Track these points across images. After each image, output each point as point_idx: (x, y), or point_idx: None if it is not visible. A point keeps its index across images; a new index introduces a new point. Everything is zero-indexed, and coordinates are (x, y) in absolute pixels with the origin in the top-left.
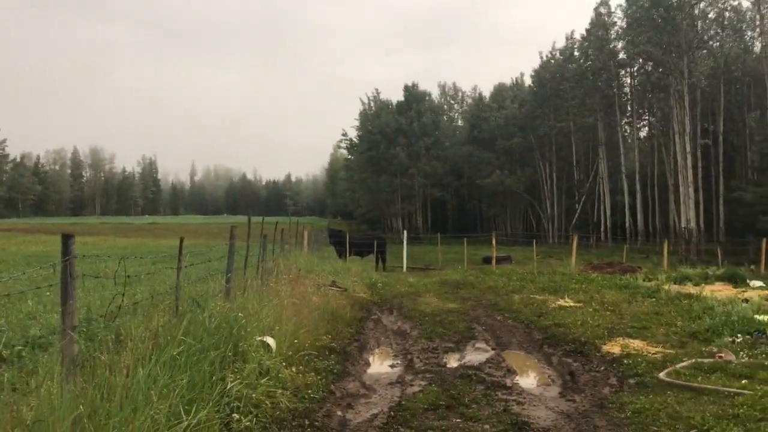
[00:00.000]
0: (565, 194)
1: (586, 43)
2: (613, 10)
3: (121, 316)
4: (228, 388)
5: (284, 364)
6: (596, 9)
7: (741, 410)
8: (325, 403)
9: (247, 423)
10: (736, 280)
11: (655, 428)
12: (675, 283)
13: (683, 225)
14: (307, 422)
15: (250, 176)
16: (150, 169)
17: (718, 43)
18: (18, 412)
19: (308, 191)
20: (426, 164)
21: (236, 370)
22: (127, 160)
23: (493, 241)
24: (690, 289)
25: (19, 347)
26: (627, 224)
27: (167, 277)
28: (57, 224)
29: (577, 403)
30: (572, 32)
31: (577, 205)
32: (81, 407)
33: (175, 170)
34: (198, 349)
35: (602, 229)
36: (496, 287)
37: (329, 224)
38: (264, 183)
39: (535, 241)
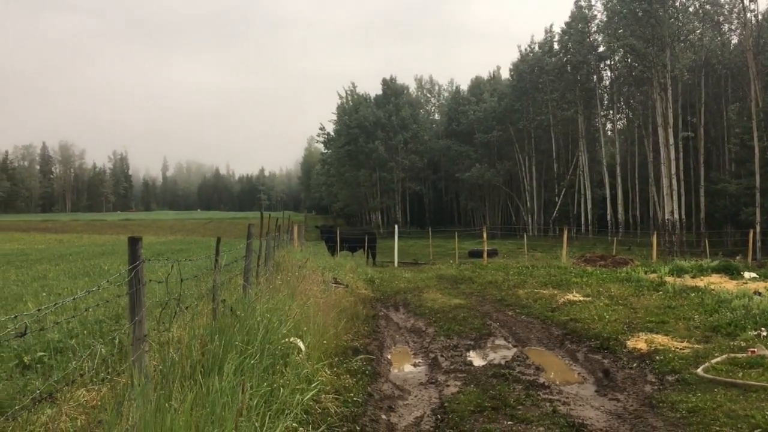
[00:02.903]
0: (544, 187)
1: (566, 37)
2: (593, 3)
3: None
4: (282, 394)
5: (320, 366)
6: (576, 2)
7: None
8: (367, 406)
9: (302, 430)
10: (731, 272)
11: (717, 428)
12: (672, 276)
13: (666, 217)
14: (357, 427)
15: (223, 171)
16: (121, 165)
17: (698, 36)
18: None
19: (282, 186)
20: (405, 158)
21: (280, 373)
22: (97, 156)
23: (484, 235)
24: (689, 281)
25: (41, 353)
26: (608, 216)
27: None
28: (27, 221)
29: (623, 403)
30: (551, 26)
31: (557, 198)
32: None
33: (146, 166)
34: (250, 354)
35: (583, 221)
36: (496, 282)
37: (305, 218)
38: (237, 178)
39: (525, 234)
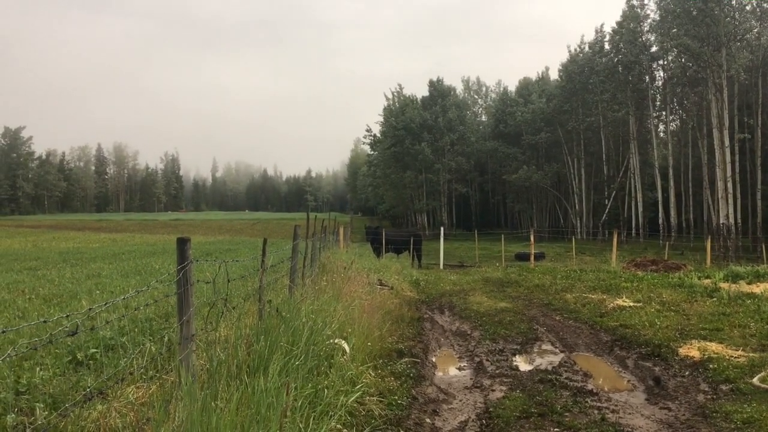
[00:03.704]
0: (594, 189)
1: (617, 36)
2: (646, 2)
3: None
4: (326, 395)
5: (364, 368)
6: (628, 2)
7: None
8: (411, 410)
9: None
10: None
11: None
12: (727, 282)
13: (721, 221)
14: (401, 431)
15: (270, 172)
16: (172, 166)
17: (755, 35)
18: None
19: (328, 187)
20: (451, 160)
21: (325, 374)
22: (149, 157)
23: (532, 238)
24: (745, 287)
25: (93, 350)
26: (660, 220)
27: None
28: (83, 220)
29: (674, 412)
30: (602, 25)
31: (606, 201)
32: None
33: (196, 167)
34: (295, 355)
35: (633, 224)
36: (543, 285)
37: (351, 220)
38: (284, 179)
39: (573, 238)
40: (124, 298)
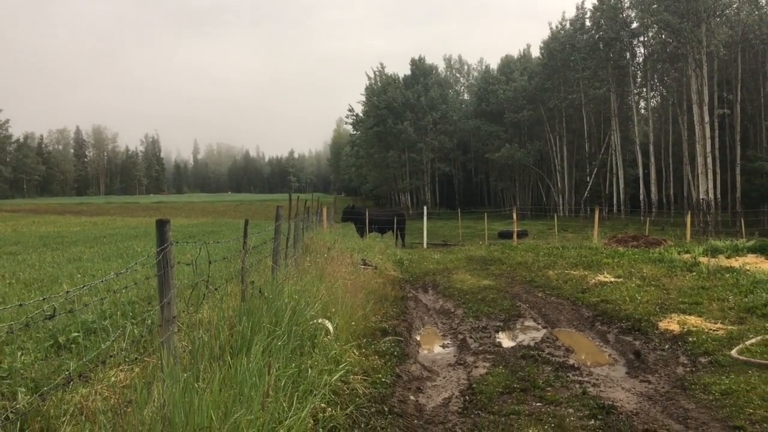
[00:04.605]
0: (576, 167)
1: (598, 13)
2: None
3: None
4: (309, 374)
5: (348, 347)
6: None
7: None
8: (395, 388)
9: (332, 412)
10: None
11: (751, 410)
12: (707, 256)
13: (701, 196)
14: (386, 408)
15: (253, 154)
16: (153, 148)
17: (735, 11)
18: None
19: (311, 168)
20: (434, 139)
21: (308, 354)
22: (130, 139)
23: (514, 216)
24: (724, 261)
25: (75, 333)
26: (641, 196)
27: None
28: (63, 204)
29: (654, 384)
30: (583, 2)
31: (588, 178)
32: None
33: (177, 149)
34: (278, 335)
35: (615, 201)
36: (526, 263)
37: (335, 200)
38: (267, 160)
39: (556, 215)
40: (103, 281)
